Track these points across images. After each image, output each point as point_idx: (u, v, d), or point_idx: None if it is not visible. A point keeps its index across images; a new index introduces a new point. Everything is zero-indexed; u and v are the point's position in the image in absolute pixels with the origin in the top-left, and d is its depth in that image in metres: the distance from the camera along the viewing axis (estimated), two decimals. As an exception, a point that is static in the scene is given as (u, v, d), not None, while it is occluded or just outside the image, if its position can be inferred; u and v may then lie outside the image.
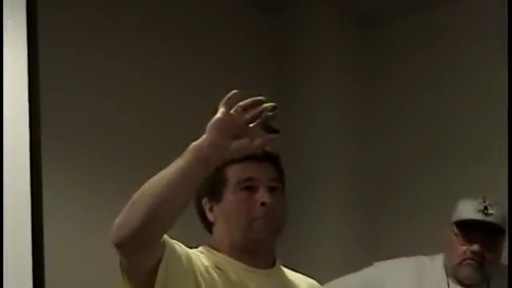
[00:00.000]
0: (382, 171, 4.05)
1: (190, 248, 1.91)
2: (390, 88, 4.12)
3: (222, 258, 1.94)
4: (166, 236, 1.78)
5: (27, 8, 2.77)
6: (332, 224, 3.91)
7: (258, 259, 1.96)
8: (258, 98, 1.68)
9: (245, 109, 1.67)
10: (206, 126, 1.68)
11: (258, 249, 1.96)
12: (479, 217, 2.86)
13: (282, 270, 2.06)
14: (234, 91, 1.68)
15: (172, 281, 1.78)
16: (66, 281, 3.09)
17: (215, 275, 1.88)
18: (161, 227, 1.72)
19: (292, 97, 3.95)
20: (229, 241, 1.95)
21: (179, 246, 1.85)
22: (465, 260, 2.88)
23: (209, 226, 2.00)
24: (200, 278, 1.84)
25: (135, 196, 1.70)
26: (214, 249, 1.96)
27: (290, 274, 2.08)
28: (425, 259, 3.03)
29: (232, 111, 1.67)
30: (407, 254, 3.08)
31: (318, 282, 2.16)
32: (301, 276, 2.11)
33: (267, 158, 1.96)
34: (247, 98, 1.68)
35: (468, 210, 2.90)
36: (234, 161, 1.87)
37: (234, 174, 1.94)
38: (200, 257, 1.90)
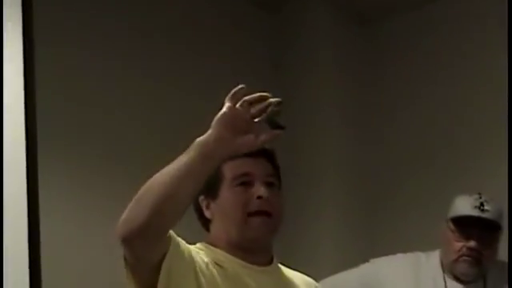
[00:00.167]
0: (380, 170, 4.04)
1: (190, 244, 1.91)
2: (387, 86, 4.11)
3: (220, 254, 1.94)
4: (171, 231, 1.78)
5: (23, 7, 2.77)
6: (330, 223, 3.90)
7: (255, 256, 1.97)
8: (264, 93, 1.69)
9: (250, 104, 1.67)
10: (211, 121, 1.69)
11: (254, 247, 1.96)
12: (475, 213, 2.87)
13: (279, 267, 2.06)
14: (240, 86, 1.68)
15: (175, 277, 1.79)
16: (62, 280, 3.09)
17: (215, 272, 1.88)
18: (166, 222, 1.72)
19: (290, 95, 3.94)
20: (226, 238, 1.95)
21: (182, 242, 1.85)
22: (461, 256, 2.89)
23: (206, 223, 2.00)
24: (200, 275, 1.85)
25: (141, 191, 1.71)
26: (212, 245, 1.96)
27: (287, 271, 2.09)
28: (421, 255, 3.04)
29: (237, 106, 1.67)
30: (405, 253, 3.10)
31: (315, 280, 2.17)
32: (298, 274, 2.11)
33: (263, 154, 1.96)
34: (253, 93, 1.68)
35: (464, 206, 2.90)
36: (229, 157, 1.86)
37: (229, 170, 1.94)
38: (200, 253, 1.91)
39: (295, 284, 2.06)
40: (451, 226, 2.92)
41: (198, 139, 1.70)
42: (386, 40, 4.16)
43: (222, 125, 1.67)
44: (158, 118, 3.56)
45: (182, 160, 1.69)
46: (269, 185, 1.96)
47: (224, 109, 1.68)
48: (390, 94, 4.11)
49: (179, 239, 1.84)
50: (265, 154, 1.97)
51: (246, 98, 1.67)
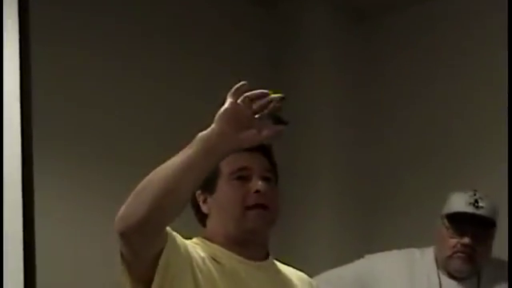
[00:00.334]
0: (376, 169, 4.02)
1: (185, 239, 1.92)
2: (384, 84, 4.09)
3: (217, 249, 1.94)
4: (168, 227, 1.79)
5: (19, 6, 2.78)
6: (325, 222, 3.89)
7: (252, 251, 1.97)
8: (265, 90, 1.70)
9: (251, 100, 1.68)
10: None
11: (251, 239, 1.97)
12: (470, 210, 2.88)
13: (274, 263, 2.07)
14: (242, 82, 1.70)
15: (172, 272, 1.79)
16: (57, 280, 3.09)
17: (212, 267, 1.89)
18: (166, 217, 1.72)
19: (287, 93, 3.93)
20: (223, 232, 1.96)
21: (178, 237, 1.85)
22: (455, 253, 2.89)
23: (203, 218, 2.01)
24: (197, 270, 1.85)
25: (140, 185, 1.70)
26: (209, 240, 1.97)
27: (282, 267, 2.09)
28: (416, 252, 3.04)
29: (239, 101, 1.68)
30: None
31: (310, 277, 2.17)
32: (292, 270, 2.12)
33: (260, 149, 1.97)
34: (254, 90, 1.69)
35: (459, 202, 2.91)
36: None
37: (226, 164, 1.94)
38: (196, 248, 1.91)
39: (290, 279, 2.07)
40: (446, 222, 2.93)
41: (200, 134, 1.70)
42: (382, 37, 4.13)
43: (224, 120, 1.68)
44: (153, 118, 3.55)
45: (184, 155, 1.69)
46: (266, 179, 1.97)
47: (226, 104, 1.69)
48: (387, 91, 4.08)
49: (175, 234, 1.84)
50: (262, 149, 1.98)
51: (248, 94, 1.68)
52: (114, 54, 3.45)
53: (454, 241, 2.89)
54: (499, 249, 3.01)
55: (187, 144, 1.71)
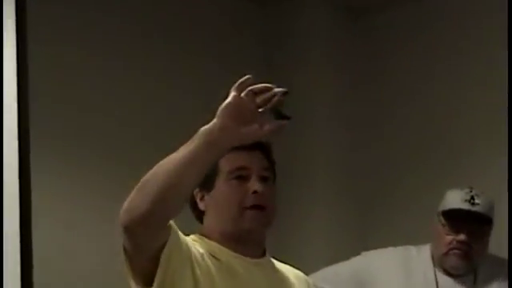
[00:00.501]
0: (372, 167, 4.01)
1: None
2: (382, 82, 4.06)
3: (214, 246, 1.95)
4: (171, 221, 1.79)
5: (16, 6, 2.78)
6: (321, 220, 3.89)
7: (248, 248, 1.98)
8: (269, 84, 1.70)
9: (255, 94, 1.68)
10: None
11: (248, 238, 1.97)
12: (465, 206, 2.88)
13: (271, 260, 2.08)
14: (247, 76, 1.70)
15: (173, 265, 1.80)
16: (54, 281, 3.09)
17: (210, 263, 1.90)
18: (169, 211, 1.73)
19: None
20: (219, 229, 1.97)
21: (180, 233, 1.86)
22: (451, 250, 2.89)
23: (199, 215, 2.02)
24: (196, 265, 1.86)
25: (144, 179, 1.71)
26: (206, 237, 1.98)
27: (279, 265, 2.10)
28: (412, 249, 3.04)
29: (242, 95, 1.68)
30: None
31: (305, 275, 2.18)
32: (289, 267, 2.13)
33: (259, 147, 1.97)
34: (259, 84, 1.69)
35: (455, 199, 2.91)
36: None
37: (225, 163, 1.95)
38: (195, 244, 1.92)
39: (287, 277, 2.07)
40: (442, 219, 2.93)
41: (203, 128, 1.70)
42: (379, 33, 4.10)
43: (226, 114, 1.68)
44: (150, 118, 3.55)
45: (187, 148, 1.69)
46: (264, 179, 1.97)
47: (229, 98, 1.69)
48: (384, 90, 4.06)
49: (177, 229, 1.85)
50: (260, 148, 1.99)
51: (251, 87, 1.68)
52: (113, 54, 3.45)
53: (449, 238, 2.89)
54: (498, 246, 3.01)
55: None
